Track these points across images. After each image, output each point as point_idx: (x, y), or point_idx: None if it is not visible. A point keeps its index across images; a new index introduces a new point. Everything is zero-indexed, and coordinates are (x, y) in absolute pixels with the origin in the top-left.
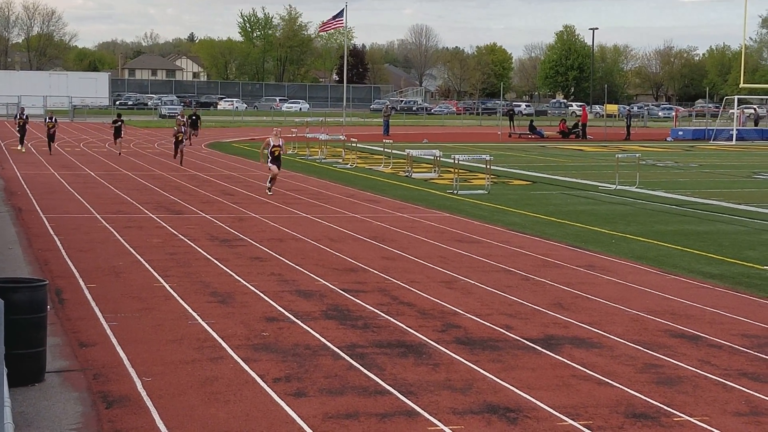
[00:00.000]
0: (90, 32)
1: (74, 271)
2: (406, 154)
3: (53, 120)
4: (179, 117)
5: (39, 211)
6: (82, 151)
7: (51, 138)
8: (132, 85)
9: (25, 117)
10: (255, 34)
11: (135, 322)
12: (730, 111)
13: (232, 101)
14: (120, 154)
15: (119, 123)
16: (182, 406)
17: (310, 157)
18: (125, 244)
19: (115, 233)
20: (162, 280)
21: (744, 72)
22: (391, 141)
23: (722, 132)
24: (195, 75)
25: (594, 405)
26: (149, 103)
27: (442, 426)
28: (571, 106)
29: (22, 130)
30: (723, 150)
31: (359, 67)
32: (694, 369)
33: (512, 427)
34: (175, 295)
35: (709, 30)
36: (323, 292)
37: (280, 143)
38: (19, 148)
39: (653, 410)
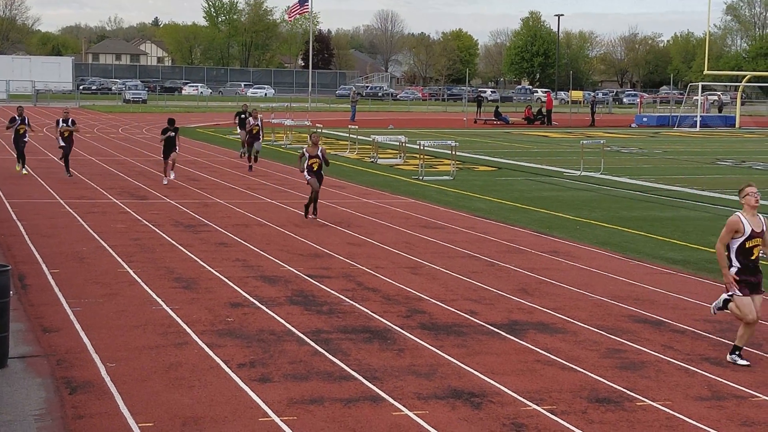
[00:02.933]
0: (53, 16)
1: (37, 256)
2: (371, 139)
3: (69, 123)
4: (252, 114)
5: (2, 196)
6: (45, 136)
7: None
8: (96, 70)
9: (24, 120)
10: (220, 19)
11: (99, 307)
12: (695, 98)
13: (197, 86)
14: (168, 180)
15: (173, 133)
16: (146, 392)
17: (275, 143)
18: (89, 229)
19: (79, 218)
20: (126, 266)
21: (708, 59)
22: (356, 127)
23: (686, 118)
24: (159, 60)
25: (558, 390)
26: (113, 88)
27: (406, 411)
28: (537, 92)
29: (20, 142)
30: (687, 136)
31: (325, 52)
32: (657, 354)
33: (476, 411)
34: (139, 280)
35: (674, 17)
36: (288, 277)
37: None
38: (17, 168)
39: (616, 395)
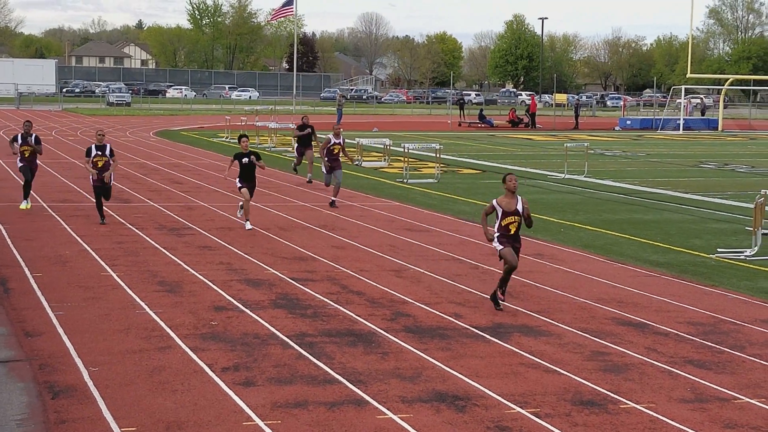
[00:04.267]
0: (36, 19)
1: (20, 260)
2: (355, 142)
3: (31, 141)
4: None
5: None
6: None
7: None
8: (79, 73)
9: (30, 139)
10: (204, 22)
11: (81, 311)
12: (678, 101)
13: (181, 89)
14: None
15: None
16: (129, 396)
17: (259, 146)
18: (72, 233)
19: (62, 222)
20: (109, 270)
21: (691, 62)
22: (340, 129)
23: (669, 121)
24: (143, 62)
25: (542, 393)
26: (97, 91)
27: (390, 414)
28: (521, 95)
29: (27, 170)
30: (670, 139)
31: (309, 55)
32: (640, 356)
33: (461, 415)
34: (123, 284)
35: (657, 20)
36: (272, 281)
37: (341, 141)
38: (23, 206)
39: (600, 397)
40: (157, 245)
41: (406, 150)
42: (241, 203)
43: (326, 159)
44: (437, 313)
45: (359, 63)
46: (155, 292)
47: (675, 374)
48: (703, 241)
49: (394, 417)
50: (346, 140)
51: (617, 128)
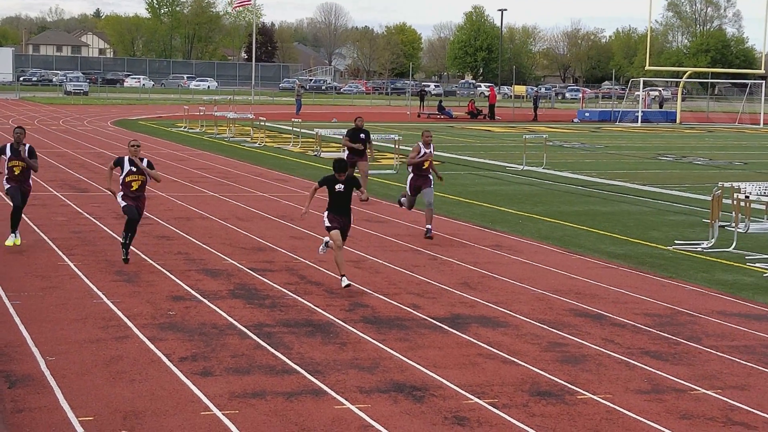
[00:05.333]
0: None
1: None
2: (315, 133)
3: (24, 153)
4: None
5: None
6: None
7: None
8: (36, 61)
9: (21, 152)
10: (162, 11)
11: (38, 301)
12: (636, 93)
13: (139, 78)
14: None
15: (362, 135)
16: (86, 386)
17: (218, 136)
18: (29, 222)
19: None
20: (66, 259)
21: (649, 54)
22: (299, 120)
23: (628, 114)
24: (101, 51)
25: (499, 383)
26: (54, 80)
27: (348, 404)
28: (480, 86)
29: (19, 191)
30: (628, 131)
31: (268, 45)
32: (597, 348)
33: (418, 405)
34: (80, 273)
35: (616, 12)
36: (231, 271)
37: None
38: (9, 241)
39: (557, 388)
40: (114, 235)
41: None
42: (326, 241)
43: (412, 175)
44: (395, 303)
45: (318, 53)
46: (113, 282)
47: (632, 365)
48: (660, 233)
49: (352, 407)
50: (306, 131)
51: (576, 120)
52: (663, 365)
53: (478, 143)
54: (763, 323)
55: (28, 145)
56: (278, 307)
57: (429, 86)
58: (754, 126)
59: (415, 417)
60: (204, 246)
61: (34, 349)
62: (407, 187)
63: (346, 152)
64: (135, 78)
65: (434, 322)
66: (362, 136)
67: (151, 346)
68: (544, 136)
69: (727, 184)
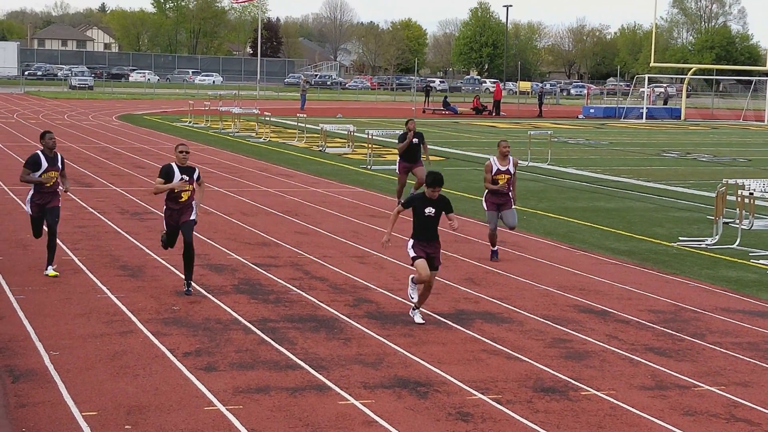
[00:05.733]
0: None
1: None
2: (320, 128)
3: (57, 163)
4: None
5: None
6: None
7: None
8: (41, 56)
9: (57, 161)
10: (168, 5)
11: (42, 295)
12: (641, 89)
13: (144, 73)
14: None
15: (416, 139)
16: (90, 381)
17: (223, 131)
18: None
19: (23, 205)
20: (71, 254)
21: (654, 51)
22: (304, 115)
23: (632, 110)
24: (106, 46)
25: (503, 379)
26: (59, 74)
27: (352, 400)
28: (485, 82)
29: (46, 211)
30: (633, 128)
31: (273, 40)
32: (601, 344)
33: (422, 401)
34: (84, 268)
35: (621, 9)
36: (235, 266)
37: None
38: (49, 271)
39: (561, 384)
40: (119, 229)
41: (370, 136)
42: (412, 278)
43: (488, 192)
44: (400, 299)
45: (324, 49)
46: (117, 277)
47: (636, 361)
48: (664, 229)
49: (356, 403)
50: (310, 126)
51: (581, 116)
52: (667, 361)
53: (483, 139)
54: (766, 320)
55: (59, 155)
56: (282, 302)
57: (434, 82)
58: (759, 123)
59: (419, 413)
60: (208, 241)
61: (38, 344)
62: (483, 202)
63: (398, 160)
64: (140, 73)
65: (438, 317)
66: (415, 140)
67: (155, 341)
68: (549, 132)
69: (731, 181)
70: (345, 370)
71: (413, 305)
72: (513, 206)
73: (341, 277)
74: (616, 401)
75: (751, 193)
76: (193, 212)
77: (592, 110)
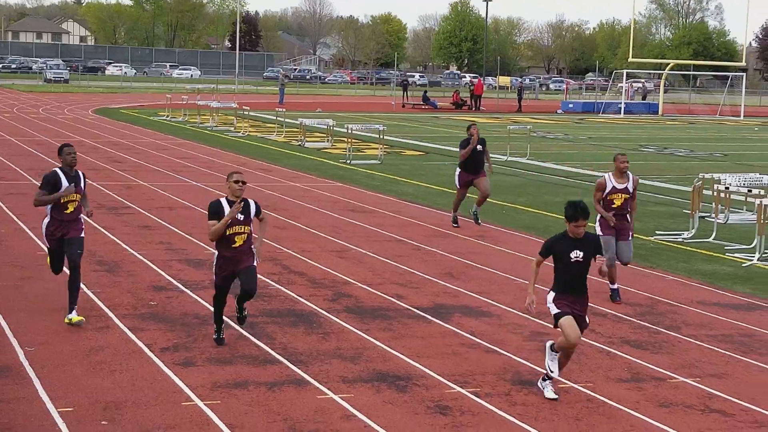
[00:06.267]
0: None
1: None
2: (299, 123)
3: (78, 182)
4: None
5: None
6: None
7: None
8: (16, 48)
9: (79, 180)
10: None
11: (17, 291)
12: (619, 85)
13: (121, 66)
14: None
15: (479, 147)
16: (66, 376)
17: (201, 125)
18: (7, 211)
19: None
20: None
21: (633, 46)
22: (283, 110)
23: (611, 105)
24: (82, 39)
25: (482, 372)
26: (34, 67)
27: (331, 394)
28: (465, 77)
29: (65, 242)
30: (612, 123)
31: (252, 34)
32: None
33: (401, 394)
34: None
35: (600, 4)
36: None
37: (629, 186)
38: (73, 316)
39: (539, 377)
40: (95, 224)
41: (349, 131)
42: (550, 345)
43: (601, 216)
44: (379, 293)
45: (303, 43)
46: (93, 272)
47: (612, 354)
48: (641, 223)
49: (335, 397)
50: (289, 120)
51: (559, 111)
52: (643, 354)
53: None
54: (741, 312)
55: (81, 173)
56: (261, 297)
57: (413, 76)
58: (735, 118)
59: (397, 406)
60: (186, 236)
61: (13, 340)
62: (597, 226)
63: (458, 171)
64: (117, 66)
65: (417, 311)
66: (479, 147)
67: (132, 337)
68: (528, 127)
69: (707, 176)
70: (324, 365)
71: (545, 375)
72: (630, 237)
73: (320, 271)
74: (593, 393)
75: (727, 188)
76: (254, 257)
77: (570, 105)
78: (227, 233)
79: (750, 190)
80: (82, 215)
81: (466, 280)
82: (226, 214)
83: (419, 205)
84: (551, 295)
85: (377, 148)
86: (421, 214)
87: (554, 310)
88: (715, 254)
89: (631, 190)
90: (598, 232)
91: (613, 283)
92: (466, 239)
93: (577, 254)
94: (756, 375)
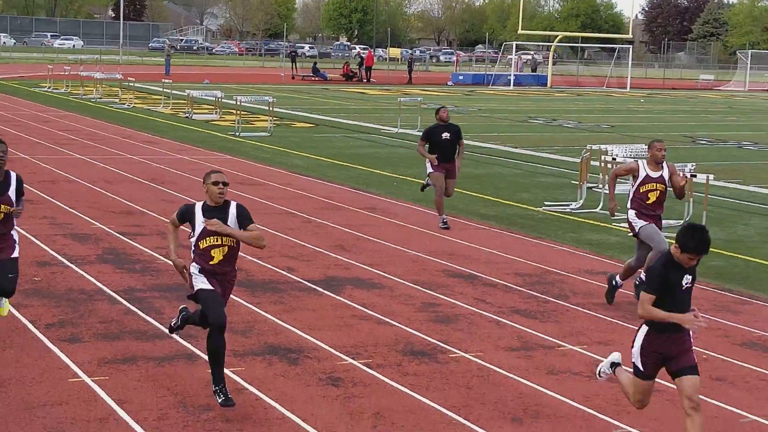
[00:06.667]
0: None
1: None
2: (186, 94)
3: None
4: None
5: None
6: None
7: None
8: None
9: (14, 188)
10: None
11: None
12: (508, 57)
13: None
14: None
15: (445, 134)
16: None
17: (84, 97)
18: None
19: None
20: None
21: (522, 18)
22: (170, 81)
23: (501, 77)
24: None
25: (373, 344)
26: None
27: None
28: (355, 48)
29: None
30: (501, 95)
31: (136, 3)
32: (469, 307)
33: (293, 367)
34: None
35: None
36: (99, 235)
37: (665, 176)
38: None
39: (430, 347)
40: None
41: (238, 103)
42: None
43: (634, 213)
44: (269, 266)
45: (189, 13)
46: None
47: (502, 324)
48: (531, 194)
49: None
50: (176, 92)
51: (450, 83)
52: (532, 323)
53: (353, 106)
54: (627, 281)
55: (14, 174)
56: (149, 271)
57: (303, 48)
58: (622, 90)
59: (289, 379)
60: (71, 210)
61: None
62: (633, 217)
63: (428, 163)
64: None
65: (309, 284)
66: (446, 135)
67: (16, 313)
68: (419, 99)
69: (595, 147)
70: None
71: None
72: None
73: None
74: (483, 362)
75: (614, 159)
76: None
77: (461, 77)
78: (201, 245)
79: (636, 161)
80: (14, 229)
81: (357, 252)
82: (196, 222)
83: (310, 178)
84: (642, 334)
85: (266, 121)
86: (312, 187)
87: (638, 361)
88: (602, 224)
89: (666, 179)
90: (636, 221)
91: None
92: (357, 212)
93: (687, 280)
94: None
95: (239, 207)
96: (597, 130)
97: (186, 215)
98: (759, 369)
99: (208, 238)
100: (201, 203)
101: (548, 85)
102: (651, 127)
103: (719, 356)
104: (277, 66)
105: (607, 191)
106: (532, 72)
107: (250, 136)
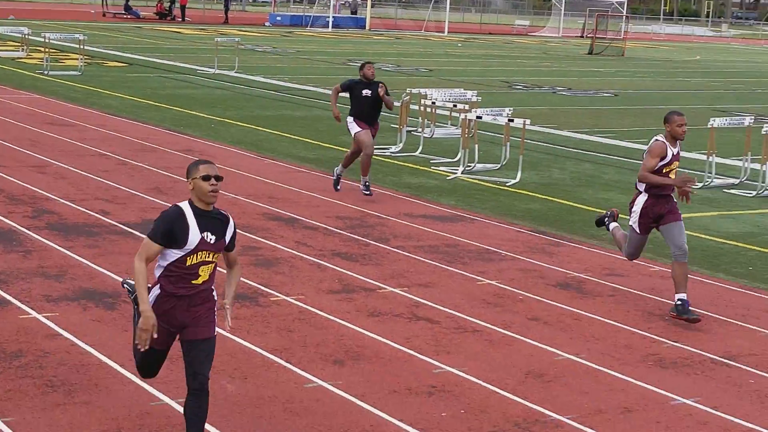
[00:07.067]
0: None
1: None
2: None
3: None
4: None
5: None
6: None
7: None
8: None
9: None
10: None
11: None
12: None
13: None
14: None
15: (367, 91)
16: None
17: None
18: None
19: None
20: None
21: None
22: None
23: (319, 19)
24: None
25: None
26: None
27: (34, 314)
28: None
29: None
30: (320, 37)
31: None
32: (290, 250)
33: (109, 312)
34: None
35: None
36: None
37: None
38: None
39: (251, 291)
40: None
41: (46, 40)
42: None
43: (646, 197)
44: (83, 210)
45: None
46: None
47: (323, 267)
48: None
49: (38, 316)
50: None
51: (267, 24)
52: (353, 266)
53: (168, 45)
54: (446, 224)
55: None
56: None
57: None
58: (440, 34)
59: (105, 324)
60: None
61: None
62: (635, 221)
63: (352, 123)
64: None
65: (124, 227)
66: (368, 92)
67: None
68: (236, 39)
69: (414, 91)
70: (26, 284)
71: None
72: (680, 216)
73: (19, 187)
74: (304, 305)
75: (433, 103)
76: (212, 317)
77: (278, 18)
78: (188, 263)
79: (455, 105)
80: None
81: (174, 195)
82: (190, 232)
83: (124, 119)
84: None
85: (77, 59)
86: (126, 128)
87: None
88: (421, 168)
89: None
90: (635, 227)
91: (678, 294)
92: (174, 153)
93: None
94: (460, 283)
95: (235, 225)
96: (416, 74)
97: (173, 234)
98: (572, 309)
99: (200, 253)
100: (187, 206)
101: (367, 27)
102: (469, 72)
103: (535, 297)
104: (87, 2)
105: (425, 135)
106: (352, 14)
107: (59, 75)
